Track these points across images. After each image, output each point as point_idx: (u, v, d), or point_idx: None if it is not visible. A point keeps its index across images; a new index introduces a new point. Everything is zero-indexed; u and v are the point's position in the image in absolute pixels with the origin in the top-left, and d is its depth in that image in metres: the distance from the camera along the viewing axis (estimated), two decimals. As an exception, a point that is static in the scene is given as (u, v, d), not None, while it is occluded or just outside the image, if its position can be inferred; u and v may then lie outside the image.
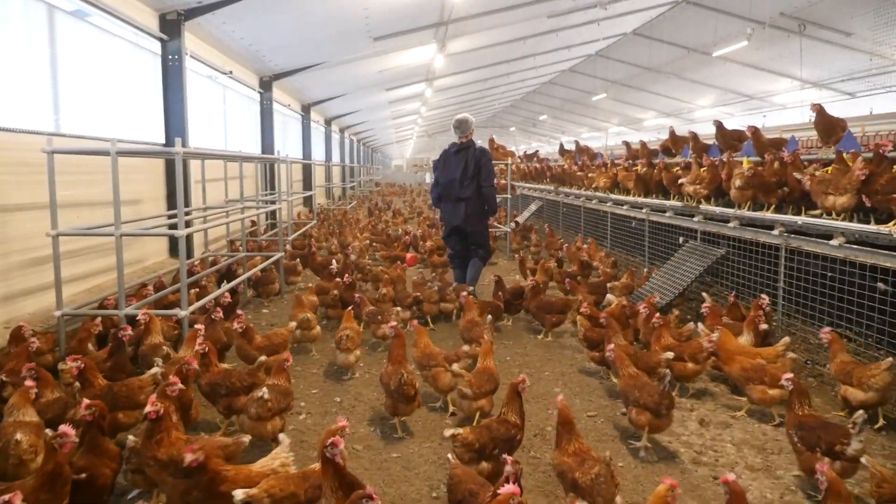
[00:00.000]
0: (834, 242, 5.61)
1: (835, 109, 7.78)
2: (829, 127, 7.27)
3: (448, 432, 3.78)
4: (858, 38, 20.11)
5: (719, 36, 21.09)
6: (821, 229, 5.91)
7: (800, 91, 26.64)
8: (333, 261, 9.93)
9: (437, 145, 64.40)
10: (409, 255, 11.85)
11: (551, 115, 47.29)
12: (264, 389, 4.33)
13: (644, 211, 10.15)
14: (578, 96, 38.62)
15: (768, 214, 6.76)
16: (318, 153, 27.92)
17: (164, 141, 10.13)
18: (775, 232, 6.52)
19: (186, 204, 9.89)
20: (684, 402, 5.33)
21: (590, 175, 13.35)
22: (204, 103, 12.77)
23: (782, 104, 29.89)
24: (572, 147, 17.46)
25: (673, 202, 9.28)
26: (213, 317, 6.02)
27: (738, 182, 7.13)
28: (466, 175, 8.38)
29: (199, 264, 9.18)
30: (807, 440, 3.78)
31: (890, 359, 4.52)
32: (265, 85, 16.44)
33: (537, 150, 24.82)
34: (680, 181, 8.72)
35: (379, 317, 6.83)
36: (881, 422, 4.71)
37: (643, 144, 12.85)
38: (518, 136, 60.59)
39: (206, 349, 4.91)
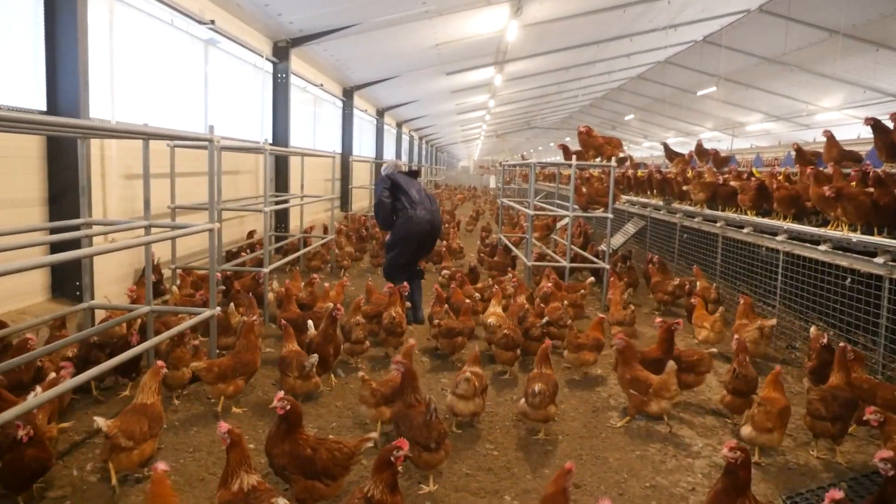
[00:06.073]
0: None
1: None
2: None
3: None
4: None
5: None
6: None
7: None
8: (310, 322, 5.76)
9: (507, 147, 60.02)
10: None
11: (638, 117, 41.85)
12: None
13: (883, 262, 5.49)
14: (671, 95, 33.26)
15: None
16: (366, 148, 24.02)
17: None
18: None
19: (74, 213, 5.87)
20: None
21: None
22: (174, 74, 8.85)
23: (938, 107, 23.85)
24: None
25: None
26: None
27: None
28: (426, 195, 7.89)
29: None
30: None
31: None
32: (280, 53, 12.46)
33: (629, 155, 19.97)
34: None
35: None
36: None
37: (831, 140, 8.09)
38: (596, 138, 55.24)
39: None
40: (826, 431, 4.33)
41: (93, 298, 5.87)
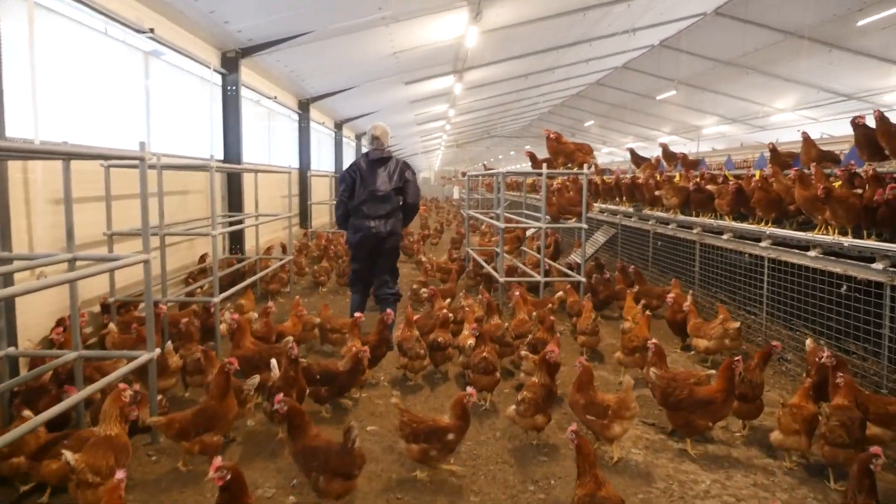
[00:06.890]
0: None
1: None
2: None
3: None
4: None
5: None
6: None
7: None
8: (273, 361, 5.11)
9: (467, 156, 59.74)
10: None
11: (597, 123, 42.02)
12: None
13: (882, 268, 5.14)
14: (631, 100, 33.39)
15: None
16: (325, 162, 23.32)
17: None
18: None
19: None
20: None
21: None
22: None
23: (890, 104, 24.20)
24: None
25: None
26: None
27: None
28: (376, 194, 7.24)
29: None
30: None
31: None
32: (229, 64, 11.76)
33: (594, 161, 19.65)
34: None
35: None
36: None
37: (809, 141, 7.81)
38: (556, 146, 55.18)
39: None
40: (850, 460, 3.86)
41: (14, 345, 5.15)
